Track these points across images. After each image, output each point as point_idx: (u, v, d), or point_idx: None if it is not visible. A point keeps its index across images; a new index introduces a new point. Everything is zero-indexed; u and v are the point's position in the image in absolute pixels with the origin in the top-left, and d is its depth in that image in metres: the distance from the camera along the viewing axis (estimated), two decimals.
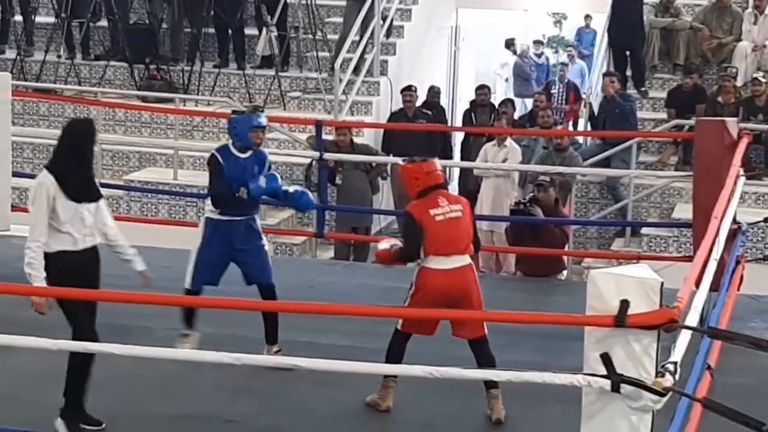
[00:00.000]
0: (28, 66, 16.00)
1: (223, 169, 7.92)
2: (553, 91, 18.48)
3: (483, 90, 15.66)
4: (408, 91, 14.46)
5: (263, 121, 8.02)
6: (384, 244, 7.67)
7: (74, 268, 6.93)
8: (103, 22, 16.34)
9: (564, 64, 18.42)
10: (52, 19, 16.22)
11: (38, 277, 6.86)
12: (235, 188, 7.86)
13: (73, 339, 6.71)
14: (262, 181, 7.91)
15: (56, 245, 6.90)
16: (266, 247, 8.19)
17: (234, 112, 8.27)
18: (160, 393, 7.47)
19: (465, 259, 7.22)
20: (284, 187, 8.13)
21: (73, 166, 6.97)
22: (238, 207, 7.96)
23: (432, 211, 7.19)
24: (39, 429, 6.36)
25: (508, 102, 15.92)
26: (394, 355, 7.19)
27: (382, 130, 14.71)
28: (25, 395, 7.42)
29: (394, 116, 14.67)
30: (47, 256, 6.87)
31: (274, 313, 7.88)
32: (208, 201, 8.14)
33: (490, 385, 7.15)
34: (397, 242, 7.53)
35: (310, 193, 8.47)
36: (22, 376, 7.61)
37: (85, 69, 16.06)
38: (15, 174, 11.07)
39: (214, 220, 8.02)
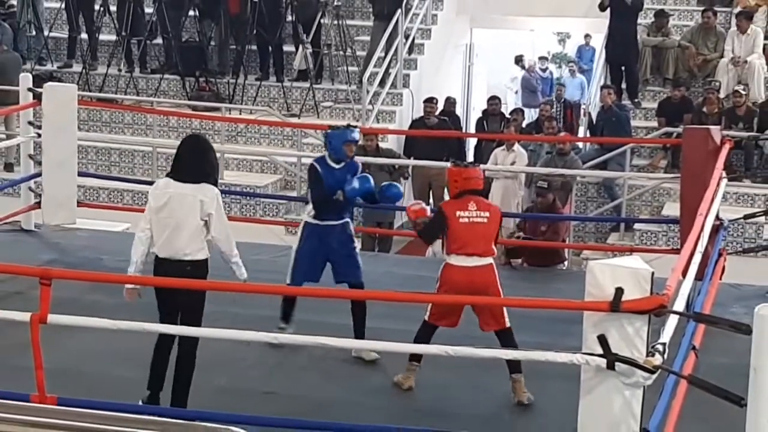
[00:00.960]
0: (92, 78, 16.03)
1: (321, 177, 7.83)
2: (552, 110, 18.36)
3: (494, 101, 15.62)
4: (430, 102, 14.44)
5: (355, 136, 8.00)
6: (417, 206, 7.52)
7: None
8: (159, 40, 16.36)
9: (561, 85, 18.20)
10: (113, 37, 16.25)
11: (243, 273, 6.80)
12: (331, 193, 7.78)
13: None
14: (356, 183, 7.79)
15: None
16: (357, 249, 8.11)
17: (330, 127, 8.19)
18: (207, 368, 7.46)
19: (485, 260, 7.11)
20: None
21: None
22: (333, 212, 7.88)
23: (458, 213, 7.13)
24: (99, 400, 6.34)
25: (518, 111, 15.87)
26: (420, 343, 7.10)
27: (404, 136, 14.71)
28: (87, 371, 7.43)
29: (414, 123, 14.65)
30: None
31: (362, 309, 7.72)
32: (308, 206, 8.06)
33: (513, 369, 7.06)
34: (428, 215, 7.42)
35: (396, 184, 8.38)
36: (87, 354, 7.62)
37: (142, 81, 16.08)
38: (80, 174, 11.11)
39: (311, 224, 7.95)
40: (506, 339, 7.12)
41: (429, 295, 7.28)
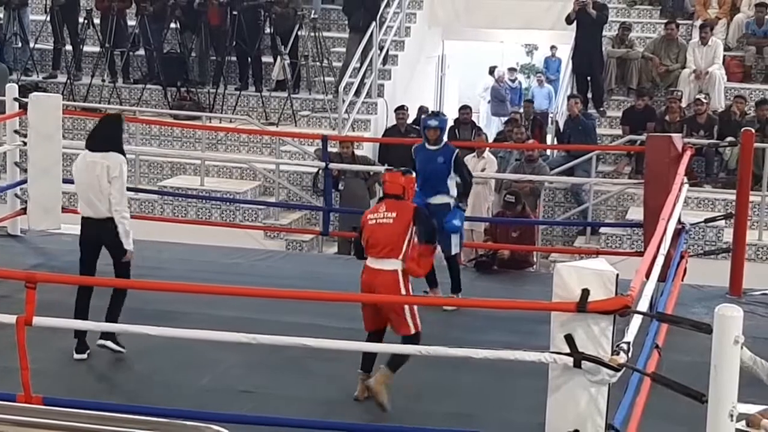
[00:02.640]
0: (76, 88, 15.95)
1: (413, 160, 8.83)
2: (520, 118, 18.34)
3: (465, 110, 15.63)
4: (401, 110, 14.46)
5: (431, 123, 8.92)
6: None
7: None
8: (141, 51, 16.29)
9: (529, 101, 17.97)
10: (97, 49, 16.18)
11: (130, 242, 7.58)
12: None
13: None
14: (455, 221, 8.69)
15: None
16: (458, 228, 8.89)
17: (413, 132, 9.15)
18: (188, 368, 7.44)
19: (388, 262, 6.98)
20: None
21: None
22: (430, 189, 8.72)
23: (369, 215, 7.13)
24: (84, 400, 6.31)
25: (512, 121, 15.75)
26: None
27: (378, 144, 14.74)
28: (72, 372, 7.39)
29: (388, 131, 14.66)
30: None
31: (455, 269, 8.84)
32: None
33: (388, 363, 6.93)
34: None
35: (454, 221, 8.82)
36: (70, 355, 7.59)
37: (125, 91, 16.02)
38: (65, 181, 11.04)
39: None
40: (409, 344, 6.83)
41: (402, 297, 7.25)
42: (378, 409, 6.88)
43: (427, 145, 8.87)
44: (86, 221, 7.64)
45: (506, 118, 16.46)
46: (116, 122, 8.07)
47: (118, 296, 7.49)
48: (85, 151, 7.73)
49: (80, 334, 7.48)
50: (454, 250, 8.99)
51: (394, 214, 7.06)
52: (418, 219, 7.12)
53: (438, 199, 8.82)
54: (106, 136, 7.80)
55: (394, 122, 14.64)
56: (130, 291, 7.82)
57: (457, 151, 8.93)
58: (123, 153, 7.74)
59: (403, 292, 7.04)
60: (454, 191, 8.89)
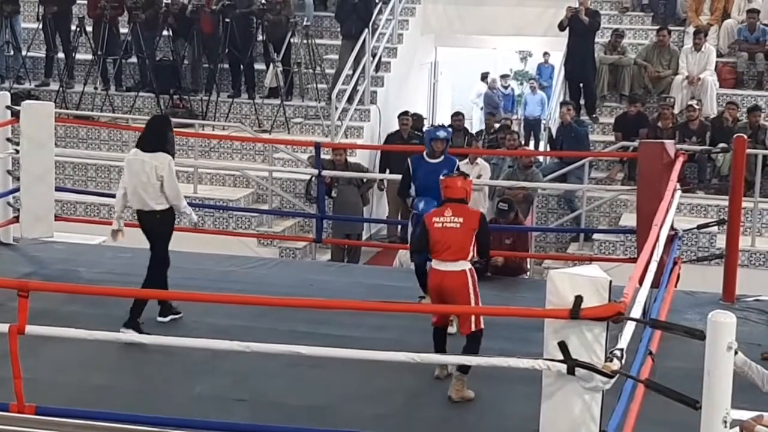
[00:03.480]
0: (69, 96, 15.94)
1: (407, 171, 8.66)
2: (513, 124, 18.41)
3: (458, 116, 15.66)
4: (404, 116, 14.50)
5: (440, 134, 8.66)
6: None
7: None
8: (134, 59, 16.29)
9: (507, 125, 17.50)
10: (89, 56, 16.18)
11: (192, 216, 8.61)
12: (407, 190, 8.60)
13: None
14: (422, 204, 8.29)
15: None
16: None
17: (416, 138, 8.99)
18: (180, 376, 7.43)
19: (456, 265, 7.14)
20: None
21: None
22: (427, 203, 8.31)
23: (434, 219, 7.26)
24: (76, 409, 6.29)
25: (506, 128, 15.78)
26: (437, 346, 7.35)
27: (372, 150, 14.74)
28: (65, 380, 7.37)
29: (390, 137, 14.66)
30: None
31: None
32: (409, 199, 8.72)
33: (459, 368, 7.14)
34: None
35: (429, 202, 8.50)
36: (65, 364, 7.57)
37: (118, 99, 16.01)
38: (58, 189, 11.04)
39: (414, 214, 8.52)
40: (469, 344, 7.13)
41: (394, 305, 7.28)
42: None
43: (427, 158, 8.66)
44: (137, 213, 8.48)
45: (498, 125, 16.52)
46: (163, 123, 8.62)
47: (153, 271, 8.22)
48: (136, 149, 8.40)
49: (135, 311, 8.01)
50: None
51: (461, 220, 7.20)
52: (482, 228, 7.28)
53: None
54: (153, 136, 8.39)
55: (389, 129, 14.65)
56: (123, 299, 7.83)
57: (458, 163, 8.75)
58: (169, 152, 8.34)
59: (472, 294, 7.17)
60: None
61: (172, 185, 8.29)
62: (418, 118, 15.55)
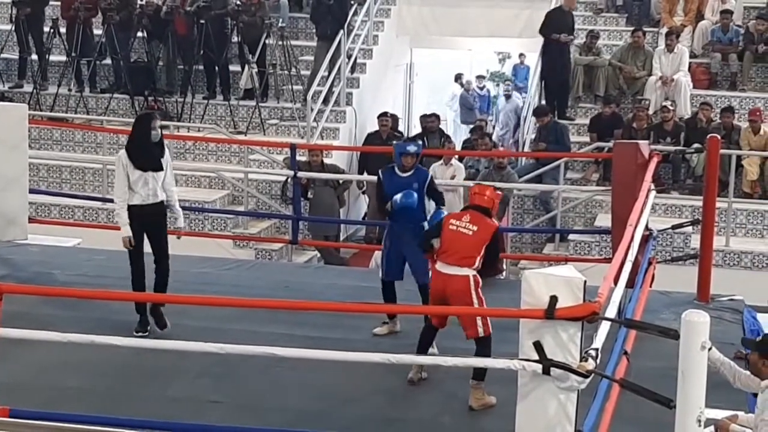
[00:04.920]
0: (43, 98, 15.86)
1: (381, 185, 8.35)
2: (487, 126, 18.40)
3: (431, 118, 15.57)
4: (384, 117, 14.48)
5: (410, 149, 8.30)
6: None
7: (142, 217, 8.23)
8: (108, 61, 16.22)
9: (480, 126, 17.43)
10: (63, 58, 16.09)
11: (125, 223, 8.18)
12: (386, 201, 8.23)
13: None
14: (399, 197, 8.10)
15: (131, 201, 8.21)
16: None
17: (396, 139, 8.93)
18: (156, 378, 7.40)
19: (461, 270, 7.12)
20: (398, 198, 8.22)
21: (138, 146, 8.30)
22: (402, 217, 8.18)
23: (451, 220, 7.29)
24: (51, 411, 6.26)
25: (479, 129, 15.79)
26: (423, 341, 7.36)
27: (348, 152, 14.73)
28: (39, 383, 7.33)
29: (369, 137, 14.64)
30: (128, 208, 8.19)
31: (424, 298, 7.99)
32: None
33: (473, 376, 7.03)
34: None
35: (407, 194, 8.34)
36: (39, 367, 7.52)
37: (92, 100, 15.93)
38: (31, 191, 11.00)
39: (389, 227, 8.38)
40: (480, 347, 7.06)
41: (371, 306, 7.28)
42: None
43: (397, 171, 8.32)
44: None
45: (471, 126, 16.54)
46: (136, 122, 8.71)
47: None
48: None
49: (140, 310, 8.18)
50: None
51: (476, 228, 7.17)
52: (493, 243, 7.24)
53: (412, 225, 8.25)
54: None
55: (366, 130, 14.63)
56: (98, 302, 7.80)
57: (430, 175, 8.51)
58: (126, 147, 8.36)
59: (475, 298, 7.11)
60: (427, 215, 8.47)
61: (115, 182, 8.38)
62: (395, 120, 15.57)
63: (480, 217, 7.26)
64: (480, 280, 7.21)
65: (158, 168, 8.31)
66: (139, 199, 8.24)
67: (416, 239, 7.84)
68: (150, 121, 8.44)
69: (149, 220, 8.30)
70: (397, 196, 8.11)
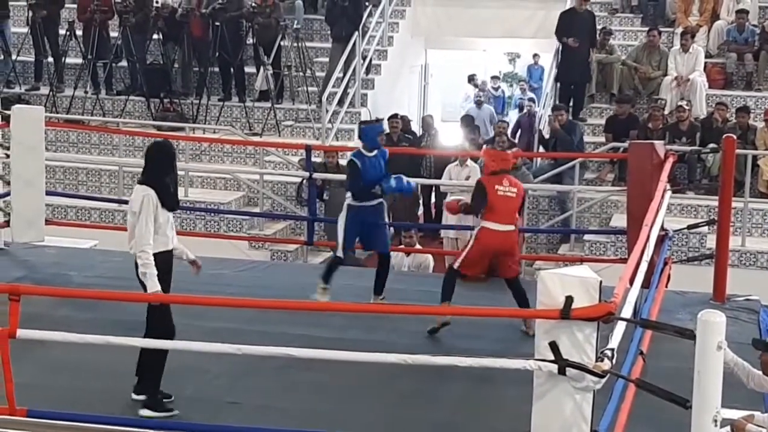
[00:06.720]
0: (59, 100, 15.93)
1: (359, 168, 8.74)
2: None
3: (395, 119, 15.07)
4: (394, 118, 14.49)
5: (386, 127, 9.49)
6: (452, 199, 9.61)
7: (169, 264, 7.01)
8: (124, 63, 16.28)
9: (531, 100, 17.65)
10: (80, 60, 16.17)
11: (155, 276, 6.74)
12: (370, 185, 8.73)
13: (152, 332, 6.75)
14: (393, 182, 8.79)
15: (156, 248, 6.85)
16: (387, 226, 9.51)
17: (362, 122, 9.66)
18: (173, 379, 7.42)
19: (511, 227, 8.34)
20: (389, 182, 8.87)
21: (167, 183, 6.94)
22: (370, 196, 8.79)
23: (497, 186, 8.33)
24: (68, 412, 6.28)
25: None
26: (447, 287, 8.30)
27: None
28: (56, 384, 7.37)
29: None
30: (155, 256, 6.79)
31: (386, 270, 8.99)
32: (348, 193, 8.90)
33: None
34: (465, 200, 8.94)
35: (399, 179, 8.94)
36: (56, 367, 7.56)
37: (108, 103, 16.00)
38: (48, 193, 11.04)
39: (353, 206, 8.82)
40: (515, 284, 8.35)
41: (387, 306, 7.24)
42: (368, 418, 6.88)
43: (365, 152, 8.84)
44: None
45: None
46: (151, 150, 7.11)
47: (149, 352, 6.87)
48: None
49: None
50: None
51: (515, 190, 8.43)
52: (524, 200, 8.73)
53: (377, 201, 8.90)
54: (144, 166, 7.01)
55: (387, 130, 14.61)
56: (114, 303, 7.81)
57: (387, 151, 9.10)
58: (153, 184, 6.85)
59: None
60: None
61: (140, 226, 6.77)
62: (407, 122, 15.58)
63: (513, 180, 8.50)
64: None
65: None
66: (166, 244, 6.93)
67: (377, 213, 8.80)
68: (174, 150, 7.24)
69: (171, 269, 7.04)
70: (392, 182, 8.76)
